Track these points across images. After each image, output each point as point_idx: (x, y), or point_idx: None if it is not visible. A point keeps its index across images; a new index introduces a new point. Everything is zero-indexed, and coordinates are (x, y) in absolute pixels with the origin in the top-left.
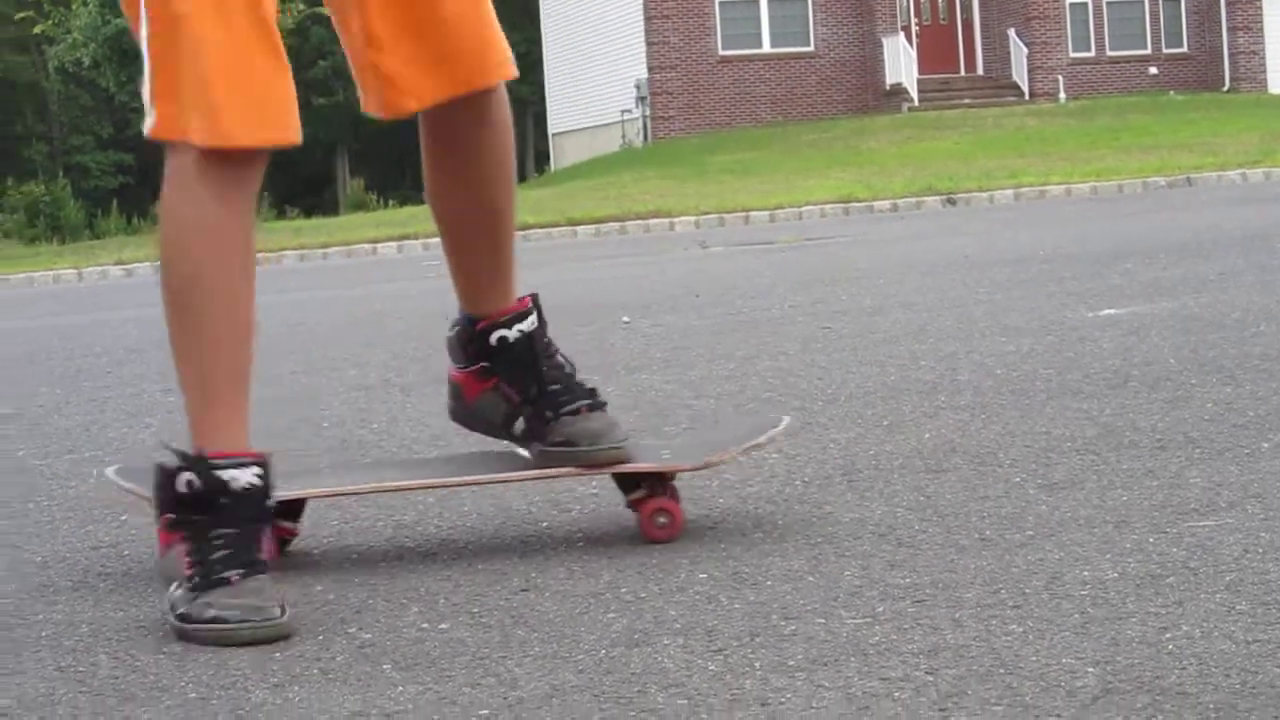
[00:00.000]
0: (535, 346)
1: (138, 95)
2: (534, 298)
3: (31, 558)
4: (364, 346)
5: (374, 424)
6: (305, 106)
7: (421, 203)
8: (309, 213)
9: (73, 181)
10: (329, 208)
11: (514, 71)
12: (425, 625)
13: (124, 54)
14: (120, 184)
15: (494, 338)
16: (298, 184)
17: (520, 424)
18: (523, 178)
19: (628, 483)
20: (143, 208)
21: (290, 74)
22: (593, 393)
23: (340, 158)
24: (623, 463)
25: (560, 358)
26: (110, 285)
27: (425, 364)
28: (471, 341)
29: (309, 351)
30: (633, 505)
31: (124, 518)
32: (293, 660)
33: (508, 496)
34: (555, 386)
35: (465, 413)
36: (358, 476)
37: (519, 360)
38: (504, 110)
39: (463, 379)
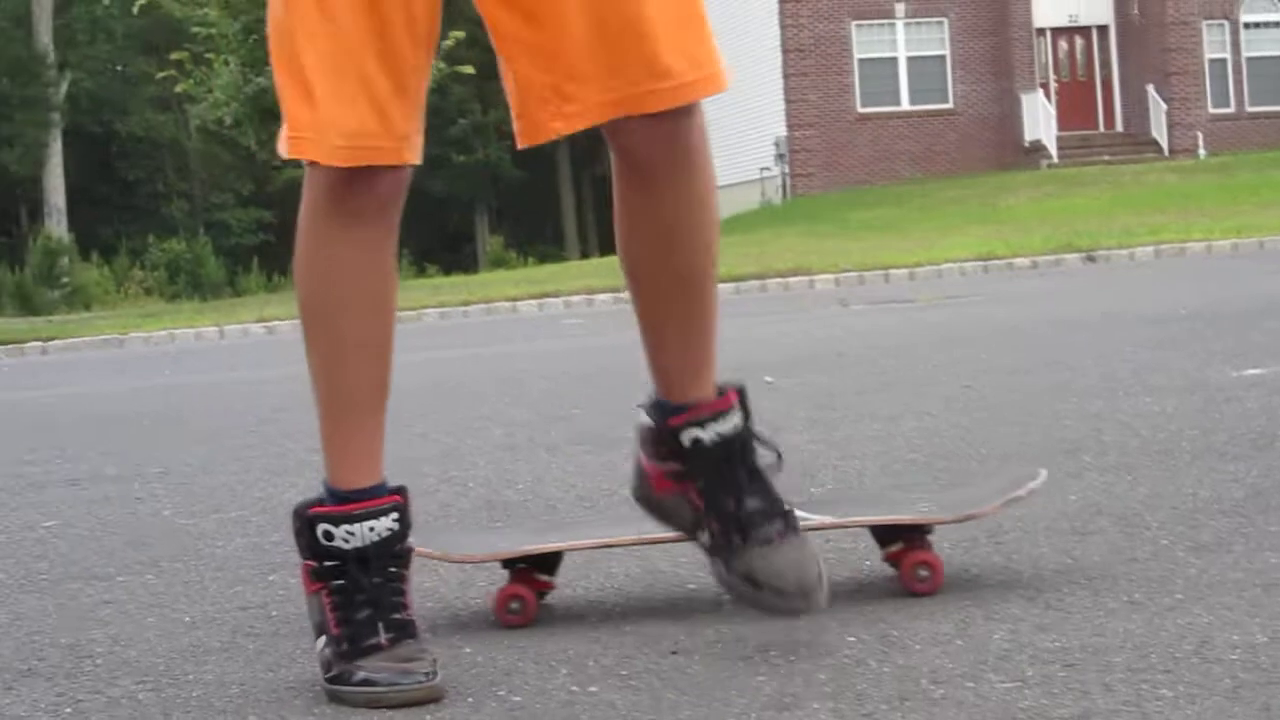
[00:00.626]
0: (734, 454)
1: (277, 154)
2: (740, 392)
3: (180, 618)
4: (508, 405)
5: (519, 484)
6: (445, 164)
7: (562, 259)
8: (448, 270)
9: (213, 239)
10: (469, 265)
11: (720, 86)
12: (575, 688)
13: (265, 112)
14: (261, 241)
15: (687, 438)
16: (437, 241)
17: (706, 536)
18: None
19: (886, 536)
20: (283, 265)
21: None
22: (788, 514)
23: (480, 214)
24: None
25: (761, 462)
26: (252, 343)
27: (569, 423)
28: (662, 439)
29: (452, 410)
30: (891, 559)
31: (271, 578)
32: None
33: (654, 557)
34: (752, 503)
35: (651, 503)
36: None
37: (713, 468)
38: (701, 139)
39: (652, 471)
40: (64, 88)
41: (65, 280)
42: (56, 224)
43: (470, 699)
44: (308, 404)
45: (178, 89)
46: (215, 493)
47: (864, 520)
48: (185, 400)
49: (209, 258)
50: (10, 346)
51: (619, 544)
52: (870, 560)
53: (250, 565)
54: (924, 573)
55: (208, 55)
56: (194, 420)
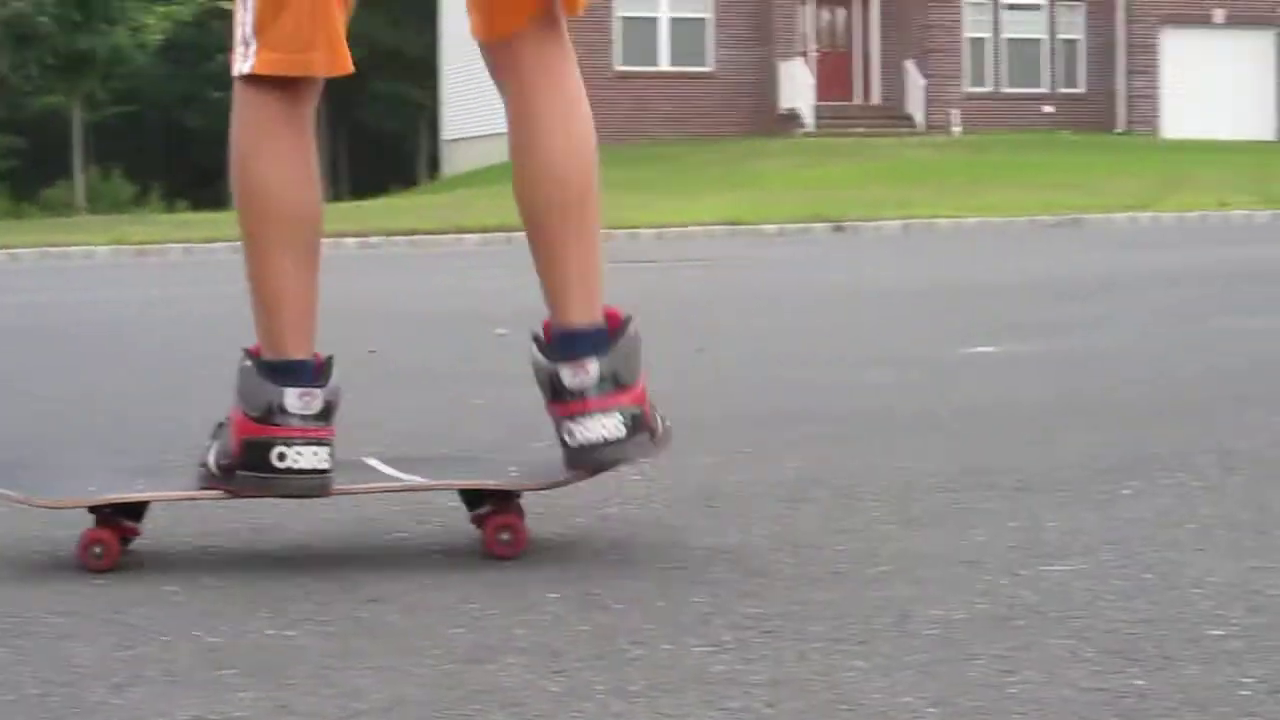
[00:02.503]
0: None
1: (31, 79)
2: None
3: None
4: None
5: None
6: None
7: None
8: (199, 206)
9: None
10: (220, 202)
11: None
12: (271, 631)
13: (18, 38)
14: (9, 167)
15: None
16: (190, 176)
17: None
18: (414, 182)
19: (473, 499)
20: (31, 191)
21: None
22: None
23: None
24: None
25: None
26: None
27: None
28: None
29: (183, 342)
30: (476, 521)
31: None
32: (136, 660)
33: (369, 504)
34: None
35: None
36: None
37: None
38: (558, 67)
39: None
40: None
41: None
42: None
43: (166, 638)
44: (44, 336)
45: None
46: None
47: (451, 484)
48: None
49: None
50: None
51: (202, 497)
52: (581, 517)
53: None
54: (505, 536)
55: None
56: None
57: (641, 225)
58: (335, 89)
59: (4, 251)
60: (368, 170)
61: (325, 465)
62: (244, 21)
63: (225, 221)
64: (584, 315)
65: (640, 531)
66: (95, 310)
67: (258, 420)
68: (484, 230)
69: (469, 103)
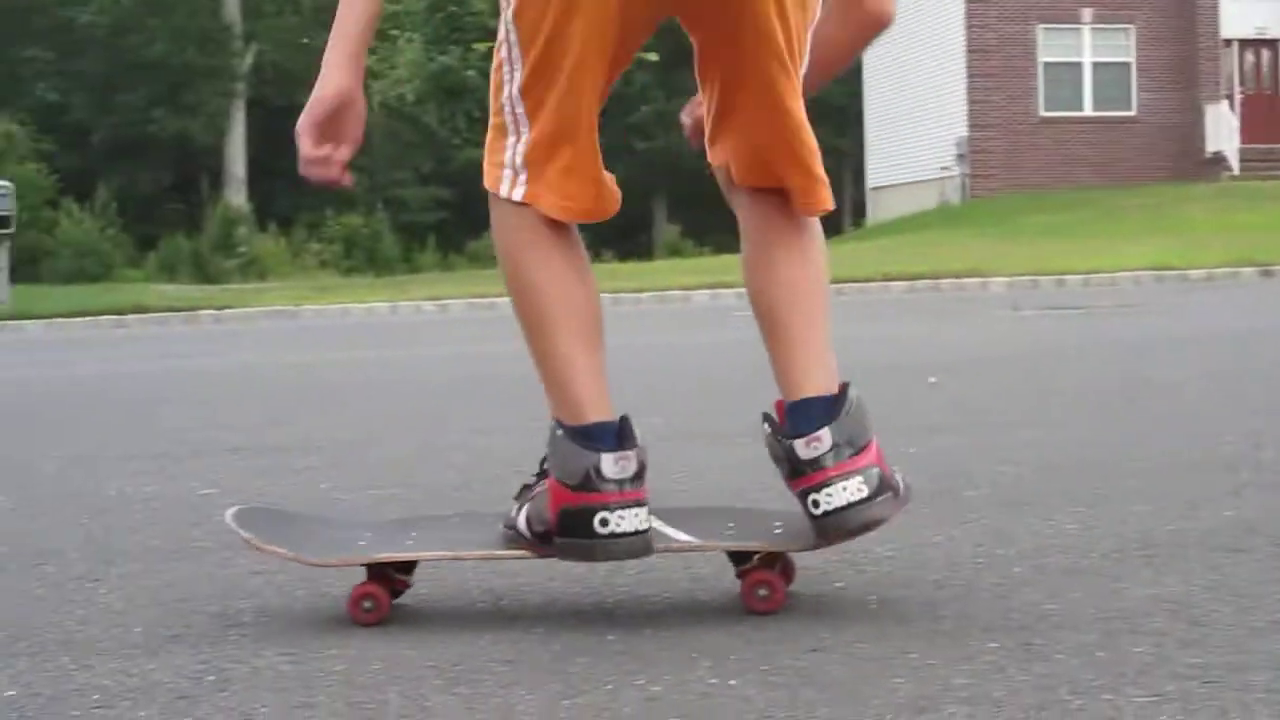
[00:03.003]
0: None
1: (458, 132)
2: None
3: (329, 591)
4: (669, 394)
5: (675, 474)
6: (626, 151)
7: (736, 250)
8: (624, 257)
9: (391, 215)
10: (644, 252)
11: (824, 206)
12: (714, 680)
13: (446, 92)
14: (438, 219)
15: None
16: (614, 228)
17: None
18: (838, 230)
19: (737, 555)
20: (458, 243)
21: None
22: None
23: (658, 202)
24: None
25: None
26: (424, 320)
27: (725, 417)
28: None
29: (616, 397)
30: (740, 575)
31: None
32: (581, 710)
33: (804, 555)
34: None
35: None
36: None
37: None
38: (812, 243)
39: None
40: (249, 59)
41: (242, 250)
42: (236, 194)
43: (609, 686)
44: (471, 385)
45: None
46: (373, 468)
47: (713, 545)
48: (352, 376)
49: (385, 234)
50: (185, 313)
51: (469, 557)
52: (1019, 567)
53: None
54: (762, 592)
55: (392, 32)
56: (359, 396)
57: (1067, 272)
58: None
59: (433, 303)
60: None
61: (645, 526)
62: (514, 148)
63: (649, 272)
64: (817, 389)
65: (1079, 580)
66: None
67: (574, 489)
68: (911, 278)
69: (892, 150)
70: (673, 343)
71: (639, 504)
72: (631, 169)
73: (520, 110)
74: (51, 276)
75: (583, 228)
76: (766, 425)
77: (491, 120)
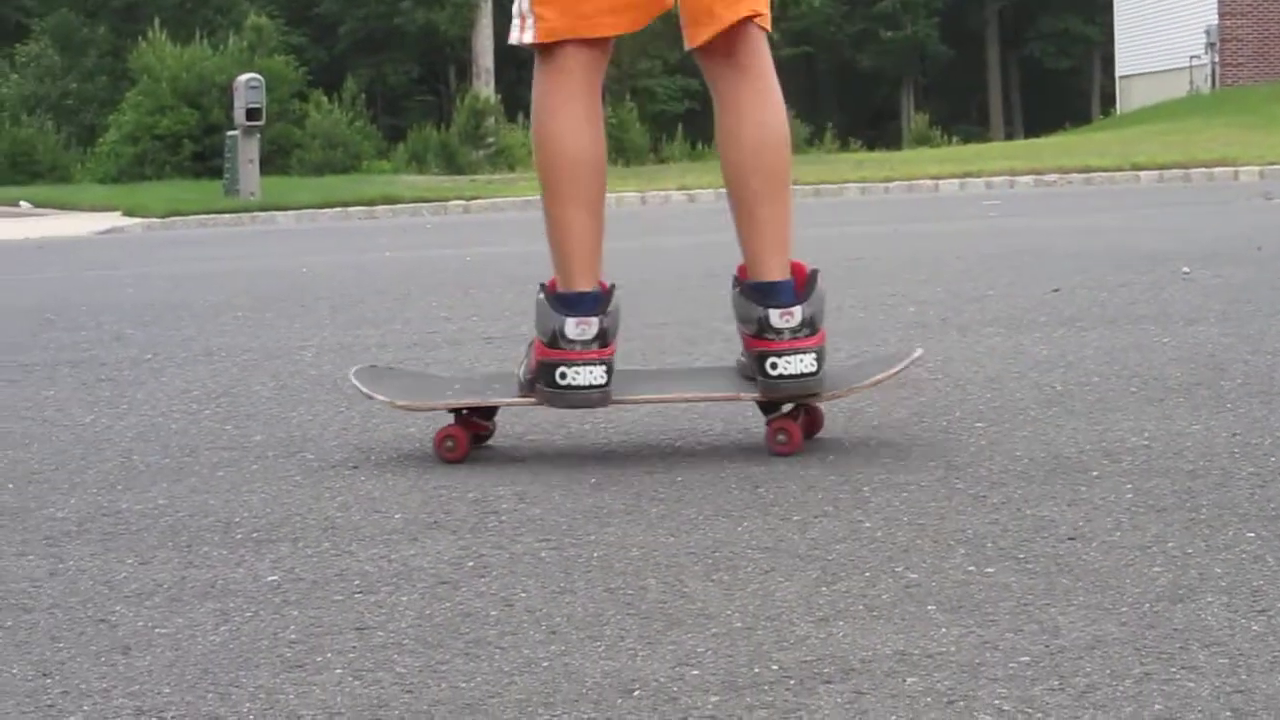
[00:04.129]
0: None
1: None
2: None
3: (586, 479)
4: (921, 283)
5: (928, 363)
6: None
7: (986, 139)
8: (872, 146)
9: (638, 105)
10: (892, 141)
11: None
12: (971, 568)
13: None
14: (685, 109)
15: None
16: (862, 117)
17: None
18: (1087, 119)
19: (764, 407)
20: (707, 133)
21: None
22: None
23: (906, 91)
24: None
25: None
26: (672, 209)
27: (982, 304)
28: None
29: (867, 287)
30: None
31: (678, 444)
32: (839, 596)
33: (1058, 441)
34: None
35: None
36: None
37: None
38: (759, 66)
39: None
40: None
41: (490, 141)
42: (484, 85)
43: (866, 574)
44: (724, 274)
45: None
46: (627, 358)
47: (710, 396)
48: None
49: (633, 124)
50: (434, 204)
51: (514, 403)
52: (1275, 456)
53: (657, 430)
54: (781, 437)
55: None
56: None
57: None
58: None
59: (682, 192)
60: (1040, 108)
61: (601, 381)
62: None
63: (901, 160)
64: (779, 272)
65: None
66: None
67: (547, 345)
68: (1160, 167)
69: (1143, 38)
70: (929, 230)
71: (598, 362)
72: (878, 58)
73: None
74: (301, 168)
75: (832, 115)
76: (737, 288)
77: None
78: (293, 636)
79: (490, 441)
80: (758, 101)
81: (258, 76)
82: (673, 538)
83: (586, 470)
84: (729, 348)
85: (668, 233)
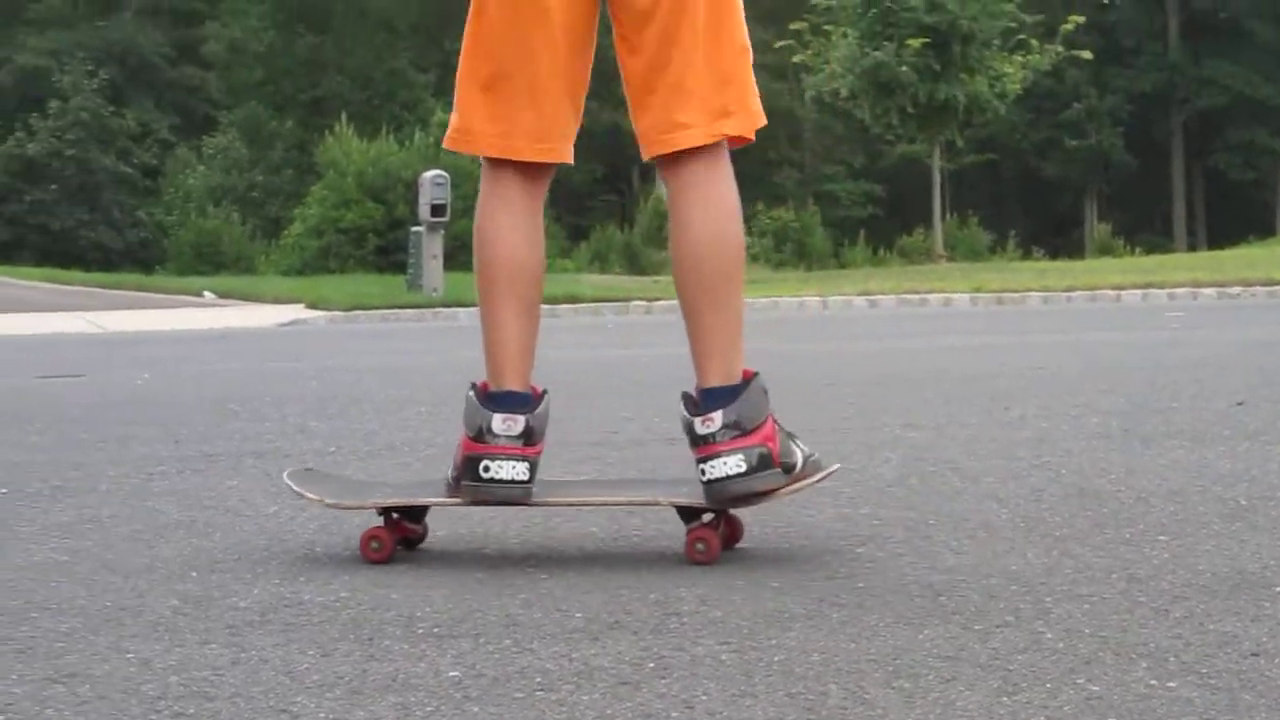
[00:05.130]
0: None
1: (891, 128)
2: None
3: (768, 582)
4: (1104, 394)
5: (1111, 474)
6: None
7: (1170, 250)
8: (1054, 254)
9: (821, 209)
10: (1075, 250)
11: (694, 140)
12: (1153, 682)
13: (879, 87)
14: (869, 214)
15: None
16: (1046, 225)
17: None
18: (1271, 231)
19: (685, 514)
20: (889, 239)
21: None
22: None
23: (1089, 200)
24: None
25: None
26: (854, 315)
27: (1166, 416)
28: None
29: (1050, 396)
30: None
31: (859, 550)
32: (1020, 707)
33: (1241, 556)
34: None
35: None
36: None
37: None
38: (703, 182)
39: None
40: None
41: None
42: (662, 185)
43: (1048, 685)
44: (901, 380)
45: (795, 59)
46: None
47: (628, 500)
48: (785, 369)
49: (816, 228)
50: (616, 303)
51: (441, 503)
52: None
53: (840, 536)
54: (700, 546)
55: (826, 27)
56: (792, 389)
57: None
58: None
59: (864, 297)
60: (1224, 220)
61: (523, 478)
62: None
63: (1084, 270)
64: (720, 378)
65: None
66: (952, 356)
67: (472, 439)
68: None
69: None
70: (1111, 340)
71: (520, 458)
72: (1063, 166)
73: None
74: None
75: (1015, 223)
76: (682, 403)
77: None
78: None
79: (669, 542)
80: (701, 216)
81: (443, 173)
82: (854, 644)
83: (768, 574)
84: (909, 448)
85: (850, 338)
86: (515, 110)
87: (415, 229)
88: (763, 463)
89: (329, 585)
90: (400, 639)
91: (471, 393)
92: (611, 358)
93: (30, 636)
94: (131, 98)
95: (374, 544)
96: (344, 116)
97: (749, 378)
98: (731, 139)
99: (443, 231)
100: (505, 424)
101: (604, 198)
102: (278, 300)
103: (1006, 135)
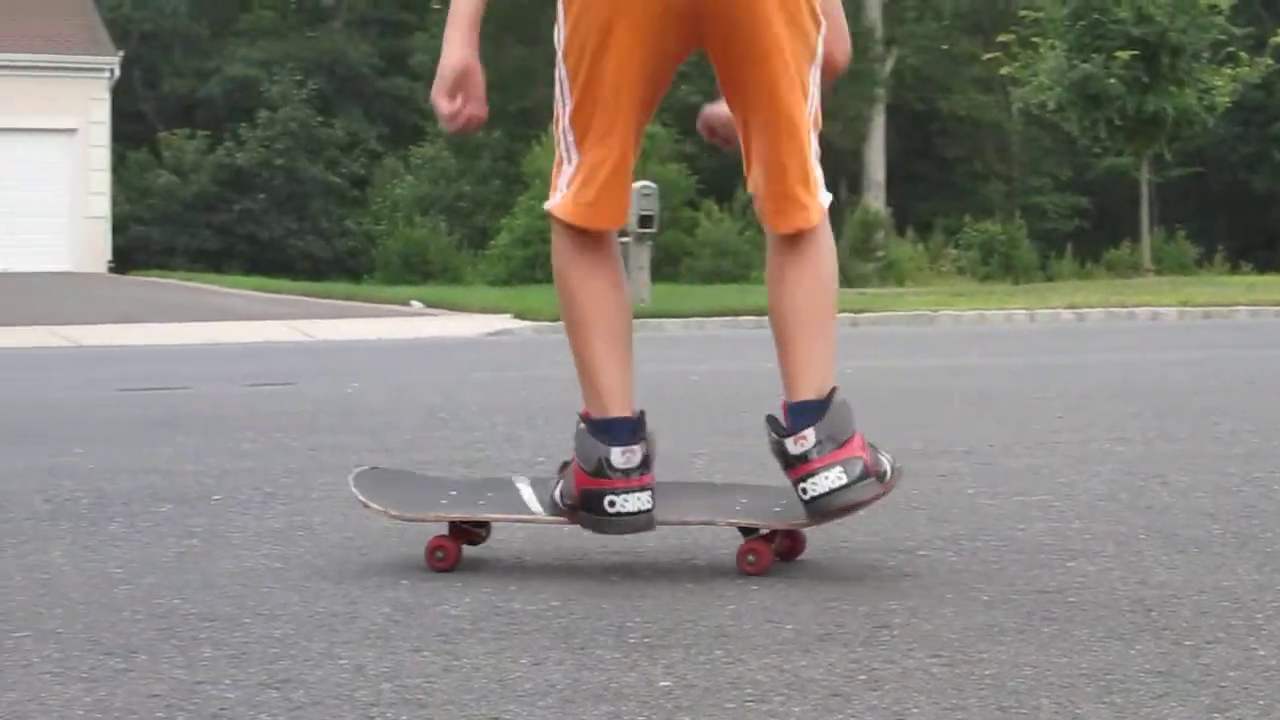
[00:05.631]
0: None
1: (1098, 140)
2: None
3: (978, 596)
4: None
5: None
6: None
7: None
8: (1263, 268)
9: (1028, 222)
10: None
11: (807, 223)
12: None
13: (1088, 99)
14: (1075, 228)
15: None
16: (1255, 239)
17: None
18: None
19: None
20: (1096, 252)
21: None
22: None
23: None
24: None
25: None
26: (1060, 328)
27: None
28: None
29: (1261, 411)
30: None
31: (1070, 564)
32: None
33: None
34: None
35: None
36: None
37: None
38: (820, 264)
39: None
40: (889, 64)
41: (880, 254)
42: (874, 198)
43: (1261, 702)
44: (1115, 393)
45: (1002, 71)
46: (1018, 475)
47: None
48: (993, 382)
49: (1022, 241)
50: None
51: (546, 521)
52: None
53: (1050, 550)
54: (751, 558)
55: (1034, 39)
56: (1000, 402)
57: None
58: None
59: (1071, 311)
60: None
61: (648, 507)
62: (566, 172)
63: None
64: (813, 392)
65: None
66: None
67: (591, 474)
68: None
69: None
70: None
71: (642, 489)
72: (1272, 179)
73: (570, 139)
74: (690, 276)
75: (1223, 237)
76: (769, 427)
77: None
78: None
79: (880, 555)
80: (801, 271)
81: (651, 184)
82: (1065, 658)
83: (978, 587)
84: (1118, 462)
85: (1057, 351)
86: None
87: (623, 240)
88: (861, 474)
89: (539, 594)
90: (612, 648)
91: (583, 425)
92: None
93: (244, 642)
94: (340, 108)
95: (439, 554)
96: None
97: (831, 393)
98: None
99: (650, 243)
100: (625, 457)
101: None
102: (484, 310)
103: (1214, 148)
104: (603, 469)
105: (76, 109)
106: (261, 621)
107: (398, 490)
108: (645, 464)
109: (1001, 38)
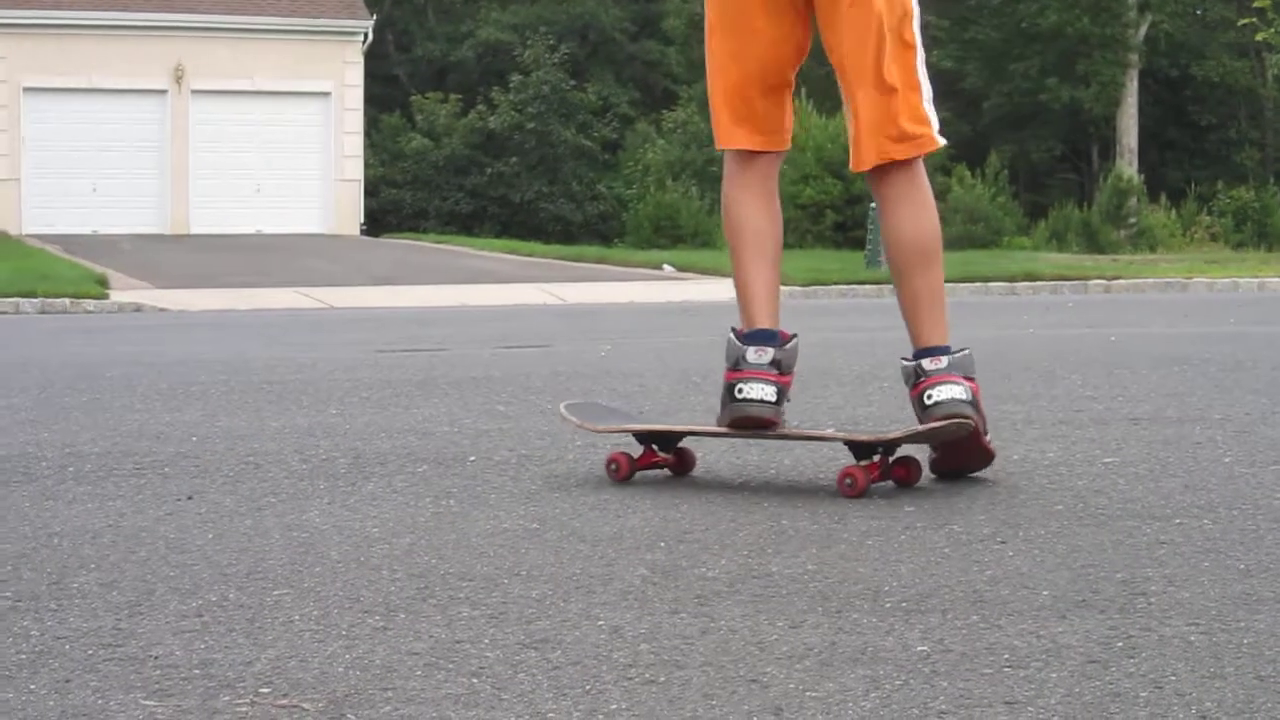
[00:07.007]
0: None
1: None
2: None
3: (1234, 564)
4: None
5: None
6: None
7: None
8: None
9: None
10: None
11: (890, 155)
12: None
13: None
14: None
15: None
16: None
17: None
18: None
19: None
20: None
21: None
22: None
23: None
24: None
25: None
26: None
27: None
28: None
29: None
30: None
31: None
32: None
33: None
34: None
35: None
36: None
37: None
38: (899, 188)
39: None
40: (1143, 30)
41: (1132, 221)
42: (1127, 164)
43: None
44: None
45: (1258, 37)
46: (1276, 445)
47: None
48: (1248, 349)
49: (1277, 208)
50: (1075, 282)
51: (701, 431)
52: None
53: None
54: (848, 480)
55: None
56: (1256, 370)
57: None
58: None
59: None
60: None
61: (770, 398)
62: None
63: None
64: (939, 339)
65: None
66: None
67: (730, 369)
68: None
69: None
70: None
71: (766, 381)
72: None
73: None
74: (945, 242)
75: None
76: (903, 361)
77: None
78: (943, 707)
79: (1135, 521)
80: (905, 215)
81: None
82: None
83: (1235, 555)
84: None
85: None
86: (746, 113)
87: (874, 206)
88: (972, 399)
89: (795, 558)
90: (868, 612)
91: (732, 335)
92: (1074, 336)
93: (502, 603)
94: (592, 72)
95: (612, 466)
96: (804, 92)
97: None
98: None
99: None
100: (757, 354)
101: (1062, 175)
102: None
103: None
104: (738, 364)
105: (330, 72)
106: (519, 582)
107: (598, 413)
108: (776, 364)
109: (1257, 4)
